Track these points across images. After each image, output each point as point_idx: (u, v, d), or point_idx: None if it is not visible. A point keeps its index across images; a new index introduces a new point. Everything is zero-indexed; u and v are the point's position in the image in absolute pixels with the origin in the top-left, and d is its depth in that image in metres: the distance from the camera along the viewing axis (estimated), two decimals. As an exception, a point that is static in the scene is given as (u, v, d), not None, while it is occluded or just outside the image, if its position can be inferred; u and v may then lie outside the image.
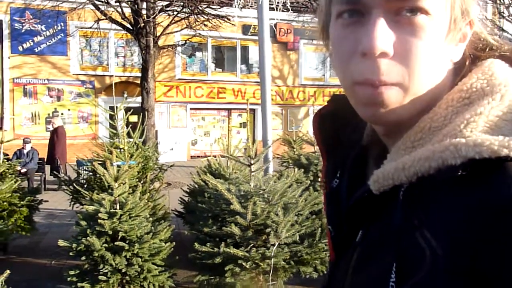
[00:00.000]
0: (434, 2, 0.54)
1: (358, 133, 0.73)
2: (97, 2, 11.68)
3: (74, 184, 6.11)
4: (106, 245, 3.58)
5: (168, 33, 12.84)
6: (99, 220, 3.55)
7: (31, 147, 10.87)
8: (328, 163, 0.80)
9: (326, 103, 0.79)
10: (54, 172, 10.66)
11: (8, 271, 3.01)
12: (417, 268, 0.49)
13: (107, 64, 16.53)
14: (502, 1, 16.27)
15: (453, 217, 0.48)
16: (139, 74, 14.78)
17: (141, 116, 11.45)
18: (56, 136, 11.32)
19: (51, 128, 11.87)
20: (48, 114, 15.73)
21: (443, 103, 0.57)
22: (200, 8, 11.99)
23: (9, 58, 15.22)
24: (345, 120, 0.71)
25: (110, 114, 6.95)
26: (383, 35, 0.53)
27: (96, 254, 3.49)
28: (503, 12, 16.34)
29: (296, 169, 5.90)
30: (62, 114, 15.77)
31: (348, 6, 0.56)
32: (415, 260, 0.50)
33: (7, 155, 6.86)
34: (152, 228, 3.87)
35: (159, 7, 11.82)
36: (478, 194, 0.47)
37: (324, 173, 0.81)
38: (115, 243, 3.57)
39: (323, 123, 0.79)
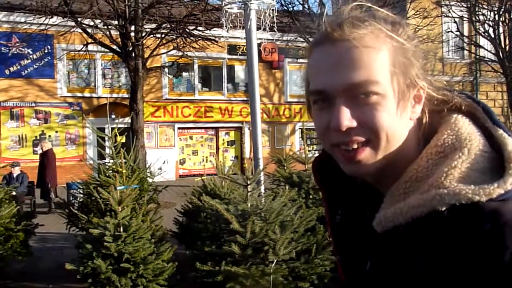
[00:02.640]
0: (381, 86, 0.71)
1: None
2: (84, 26, 11.81)
3: (71, 208, 6.16)
4: (111, 267, 3.69)
5: (156, 55, 13.01)
6: (104, 243, 3.66)
7: (20, 171, 10.82)
8: (329, 202, 0.98)
9: (322, 150, 0.97)
10: (49, 196, 10.63)
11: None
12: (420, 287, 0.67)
13: (95, 86, 16.60)
14: (477, 19, 16.89)
15: (443, 247, 0.66)
16: (127, 95, 14.89)
17: (130, 137, 11.56)
18: (46, 159, 11.27)
19: (40, 151, 11.83)
20: (36, 137, 15.66)
21: (423, 156, 0.74)
22: (188, 30, 12.21)
23: (-5, 81, 15.20)
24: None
25: (101, 136, 7.02)
26: (345, 115, 0.71)
27: (103, 277, 3.60)
28: (479, 29, 16.94)
29: (288, 187, 6.07)
30: (49, 136, 15.72)
31: (318, 96, 0.76)
32: (417, 282, 0.68)
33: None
34: (155, 249, 3.99)
35: (147, 30, 12.00)
36: (460, 230, 0.65)
37: (326, 210, 0.99)
38: (121, 265, 3.67)
39: (321, 167, 0.97)
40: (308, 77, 0.79)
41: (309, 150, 8.07)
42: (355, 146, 0.72)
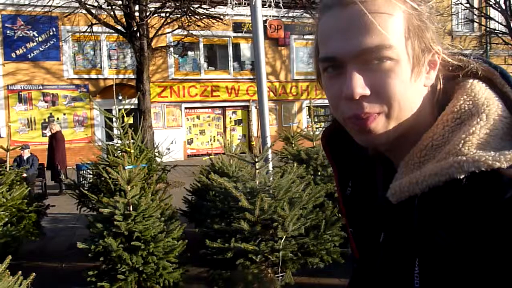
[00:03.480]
0: (395, 51, 0.67)
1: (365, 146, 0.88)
2: (89, 7, 11.73)
3: (81, 188, 6.23)
4: (122, 246, 3.73)
5: (161, 35, 12.93)
6: (115, 222, 3.70)
7: (30, 153, 10.94)
8: (339, 174, 0.96)
9: (331, 122, 0.95)
10: (60, 177, 10.75)
11: (33, 274, 3.17)
12: (437, 260, 0.64)
13: (101, 67, 16.58)
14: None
15: (462, 218, 0.63)
16: (133, 76, 14.87)
17: (138, 118, 11.59)
18: (55, 141, 11.37)
19: (49, 134, 11.92)
20: (44, 119, 15.77)
21: (439, 123, 0.72)
22: (192, 8, 12.08)
23: (3, 65, 15.23)
24: (351, 135, 0.78)
25: (109, 118, 7.03)
26: (358, 82, 0.68)
27: (114, 255, 3.65)
28: (489, 0, 16.57)
29: (296, 164, 6.07)
30: (58, 118, 15.83)
31: (329, 63, 0.72)
32: (435, 255, 0.64)
33: (5, 161, 6.94)
34: (165, 227, 4.03)
35: (151, 10, 11.89)
36: (480, 198, 0.62)
37: (337, 182, 0.97)
38: (131, 243, 3.72)
39: (331, 140, 0.95)
40: (318, 43, 0.75)
41: (316, 128, 8.03)
42: (367, 116, 0.70)
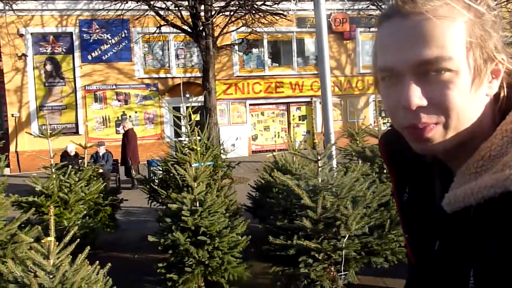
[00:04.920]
0: (454, 62, 0.66)
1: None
2: (157, 9, 12.23)
3: (151, 184, 6.54)
4: (189, 240, 3.90)
5: (225, 33, 13.19)
6: (182, 217, 3.87)
7: (105, 150, 11.61)
8: (396, 180, 0.95)
9: (389, 127, 0.94)
10: (130, 174, 11.33)
11: (109, 264, 3.40)
12: (492, 271, 0.63)
13: (169, 67, 17.24)
14: None
15: None
16: (199, 74, 15.30)
17: (204, 115, 11.92)
18: (126, 139, 11.99)
19: (122, 131, 12.58)
20: (117, 117, 16.69)
21: (498, 133, 0.70)
22: (256, 6, 12.20)
23: (80, 67, 16.30)
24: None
25: (177, 116, 7.29)
26: (415, 93, 0.67)
27: (181, 248, 3.82)
28: None
29: (360, 162, 5.98)
30: (129, 116, 16.67)
31: (386, 73, 0.72)
32: (490, 265, 0.64)
33: (83, 158, 7.45)
34: (229, 223, 4.15)
35: (216, 9, 12.16)
36: None
37: (394, 188, 0.96)
38: (198, 237, 3.87)
39: (389, 145, 0.95)
40: (377, 52, 0.76)
41: (383, 123, 7.82)
42: (424, 125, 0.70)
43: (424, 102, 0.68)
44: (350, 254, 3.98)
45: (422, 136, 0.70)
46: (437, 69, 0.67)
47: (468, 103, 0.69)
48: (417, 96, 0.68)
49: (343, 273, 4.09)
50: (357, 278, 4.15)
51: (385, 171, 5.96)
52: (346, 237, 3.97)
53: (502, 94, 0.74)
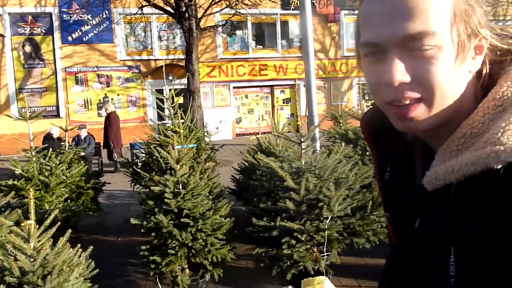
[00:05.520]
0: (438, 37, 0.65)
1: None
2: (139, -12, 11.99)
3: (134, 167, 6.49)
4: (173, 222, 3.89)
5: (209, 14, 13.01)
6: (165, 200, 3.85)
7: (87, 133, 11.46)
8: (378, 159, 0.95)
9: (371, 107, 0.93)
10: (113, 157, 11.22)
11: (91, 247, 3.38)
12: (472, 249, 0.63)
13: (151, 48, 16.99)
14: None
15: (499, 208, 0.60)
16: (182, 56, 15.13)
17: (187, 98, 11.82)
18: (109, 122, 11.84)
19: (105, 114, 12.42)
20: (99, 100, 16.45)
21: (479, 110, 0.69)
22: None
23: (60, 48, 15.95)
24: (390, 121, 0.77)
25: (160, 98, 7.21)
26: (398, 69, 0.66)
27: (165, 231, 3.81)
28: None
29: (343, 144, 6.01)
30: (112, 99, 16.45)
31: (369, 49, 0.71)
32: (470, 243, 0.63)
33: (65, 141, 7.34)
34: (213, 205, 4.15)
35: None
36: None
37: (375, 167, 0.95)
38: (181, 220, 3.87)
39: (371, 123, 0.94)
40: (359, 27, 0.74)
41: (366, 106, 7.87)
42: (407, 102, 0.68)
43: (407, 78, 0.67)
44: (333, 235, 4.02)
45: (406, 115, 0.69)
46: (421, 44, 0.66)
47: (452, 79, 0.68)
48: (400, 72, 0.66)
49: (325, 253, 4.15)
50: (339, 259, 4.21)
51: (367, 153, 6.01)
52: (329, 218, 4.01)
53: (484, 71, 0.73)
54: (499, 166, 0.61)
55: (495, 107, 0.68)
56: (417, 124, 0.70)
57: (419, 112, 0.69)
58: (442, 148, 0.71)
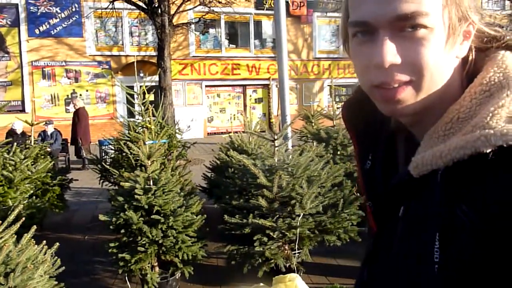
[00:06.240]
0: (431, 18, 0.64)
1: (387, 119, 0.83)
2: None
3: (103, 163, 6.35)
4: (143, 219, 3.81)
5: (182, 11, 12.88)
6: (135, 196, 3.77)
7: (54, 128, 11.15)
8: (359, 147, 0.93)
9: (352, 94, 0.91)
10: (80, 154, 10.94)
11: (57, 244, 3.27)
12: (458, 235, 0.62)
13: (122, 44, 16.68)
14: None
15: (487, 193, 0.59)
16: (154, 53, 14.92)
17: (159, 95, 11.66)
18: (77, 117, 11.56)
19: (73, 110, 12.11)
20: (67, 95, 16.03)
21: (467, 96, 0.68)
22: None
23: (27, 41, 15.45)
24: (373, 108, 0.75)
25: (130, 94, 7.08)
26: (389, 50, 0.65)
27: (134, 227, 3.73)
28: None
29: (315, 143, 6.05)
30: (80, 95, 16.06)
31: (360, 28, 0.69)
32: (456, 229, 0.62)
33: (30, 136, 7.10)
34: (184, 202, 4.09)
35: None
36: (506, 173, 0.59)
37: (357, 156, 0.94)
38: (151, 216, 3.79)
39: (352, 112, 0.92)
40: (348, 6, 0.72)
41: (337, 107, 7.96)
42: (396, 84, 0.67)
43: (398, 60, 0.65)
44: (304, 232, 4.03)
45: (394, 97, 0.68)
46: (413, 25, 0.64)
47: (441, 62, 0.67)
48: (391, 53, 0.65)
49: (297, 251, 4.16)
50: (310, 257, 4.23)
51: (339, 152, 6.07)
52: (301, 216, 4.02)
53: (470, 57, 0.73)
54: (488, 150, 0.60)
55: (482, 92, 0.67)
56: (403, 107, 0.69)
57: (407, 94, 0.68)
58: (428, 134, 0.70)
